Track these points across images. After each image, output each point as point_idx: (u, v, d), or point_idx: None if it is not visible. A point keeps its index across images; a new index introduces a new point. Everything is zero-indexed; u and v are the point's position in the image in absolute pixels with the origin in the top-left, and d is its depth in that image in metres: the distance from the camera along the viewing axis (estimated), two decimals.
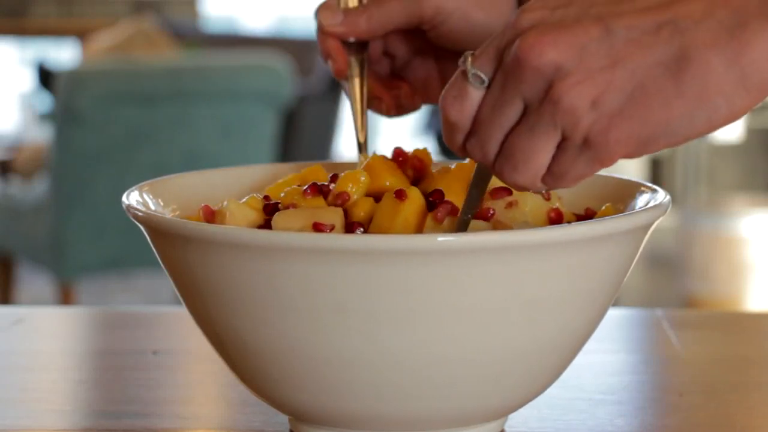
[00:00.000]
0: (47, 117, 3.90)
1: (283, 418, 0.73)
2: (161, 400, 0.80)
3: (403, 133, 6.14)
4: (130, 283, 4.06)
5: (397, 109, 0.85)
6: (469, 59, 0.60)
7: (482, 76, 0.60)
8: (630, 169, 3.82)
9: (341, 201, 0.69)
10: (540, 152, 0.60)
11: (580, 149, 0.59)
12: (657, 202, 0.69)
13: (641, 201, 0.72)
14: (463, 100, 0.61)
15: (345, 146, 4.72)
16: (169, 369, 0.87)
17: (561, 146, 0.60)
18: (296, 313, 0.63)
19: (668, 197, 0.70)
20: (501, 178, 0.61)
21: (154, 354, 0.89)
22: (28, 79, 5.43)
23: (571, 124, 0.58)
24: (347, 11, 0.81)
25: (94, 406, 0.81)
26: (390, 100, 0.84)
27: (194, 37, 4.38)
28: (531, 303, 0.63)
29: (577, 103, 0.58)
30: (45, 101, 4.45)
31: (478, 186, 0.66)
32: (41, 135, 4.29)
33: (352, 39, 0.81)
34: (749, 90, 0.58)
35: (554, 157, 0.60)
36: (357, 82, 0.81)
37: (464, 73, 0.60)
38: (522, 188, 0.62)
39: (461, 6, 0.81)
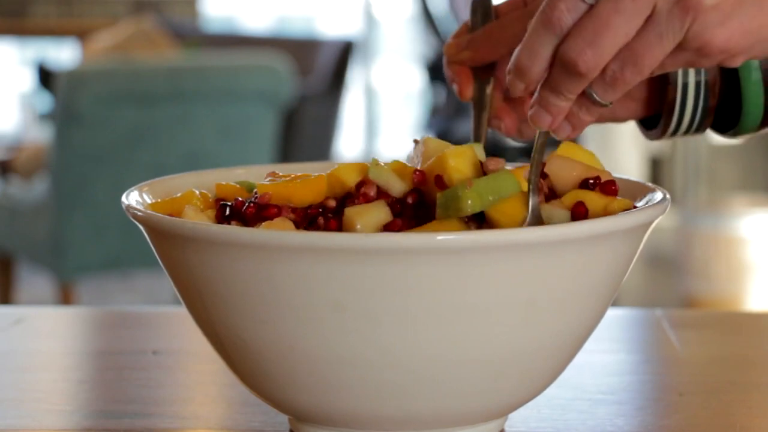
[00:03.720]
0: (47, 117, 3.90)
1: (283, 418, 0.73)
2: (161, 400, 0.80)
3: (403, 133, 6.14)
4: (130, 283, 4.06)
5: (518, 131, 0.86)
6: None
7: None
8: (630, 169, 3.82)
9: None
10: (662, 55, 0.63)
11: (684, 48, 0.64)
12: (656, 202, 0.69)
13: (641, 201, 0.72)
14: (572, 11, 0.63)
15: (345, 146, 4.72)
16: (169, 369, 0.87)
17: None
18: (296, 313, 0.63)
19: (668, 197, 0.70)
20: (610, 82, 0.64)
21: (154, 354, 0.89)
22: (28, 79, 5.44)
23: (697, 27, 0.63)
24: (471, 37, 0.83)
25: (94, 406, 0.81)
26: (510, 122, 0.86)
27: (194, 37, 4.38)
28: (531, 303, 0.63)
29: (705, 5, 0.62)
30: (45, 101, 4.45)
31: (541, 153, 0.69)
32: (41, 135, 4.29)
33: (479, 63, 0.83)
34: None
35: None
36: (479, 105, 0.84)
37: None
38: (615, 94, 0.65)
39: None
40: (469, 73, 0.84)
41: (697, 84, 0.83)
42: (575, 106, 0.66)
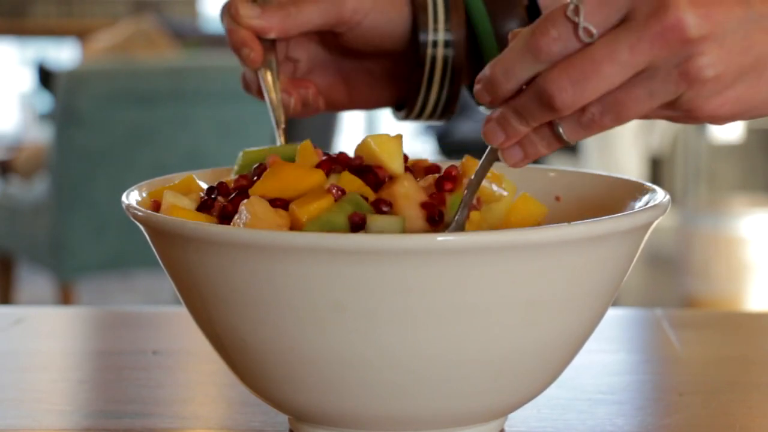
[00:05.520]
0: (47, 117, 3.90)
1: (283, 418, 0.73)
2: (161, 400, 0.80)
3: (403, 133, 6.13)
4: (130, 283, 4.07)
5: (303, 107, 0.86)
6: (582, 12, 0.60)
7: (592, 30, 0.60)
8: (630, 169, 3.82)
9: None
10: (646, 111, 0.61)
11: (671, 107, 0.62)
12: (657, 202, 0.69)
13: (641, 201, 0.72)
14: (563, 43, 0.60)
15: (345, 146, 4.72)
16: (169, 369, 0.87)
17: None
18: (296, 313, 0.63)
19: (668, 197, 0.70)
20: (585, 124, 0.61)
21: (154, 354, 0.89)
22: (28, 79, 5.44)
23: (692, 94, 0.61)
24: (264, 8, 0.81)
25: (94, 406, 0.81)
26: (297, 97, 0.85)
27: (194, 37, 4.38)
28: (531, 303, 0.63)
29: (707, 77, 0.60)
30: (45, 101, 4.45)
31: (485, 170, 0.67)
32: (41, 135, 4.29)
33: (269, 35, 0.81)
34: None
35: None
36: (270, 74, 0.83)
37: (572, 23, 0.60)
38: (584, 136, 0.62)
39: (377, 5, 0.82)
40: (257, 39, 0.81)
41: (444, 69, 0.82)
42: (535, 135, 0.63)
